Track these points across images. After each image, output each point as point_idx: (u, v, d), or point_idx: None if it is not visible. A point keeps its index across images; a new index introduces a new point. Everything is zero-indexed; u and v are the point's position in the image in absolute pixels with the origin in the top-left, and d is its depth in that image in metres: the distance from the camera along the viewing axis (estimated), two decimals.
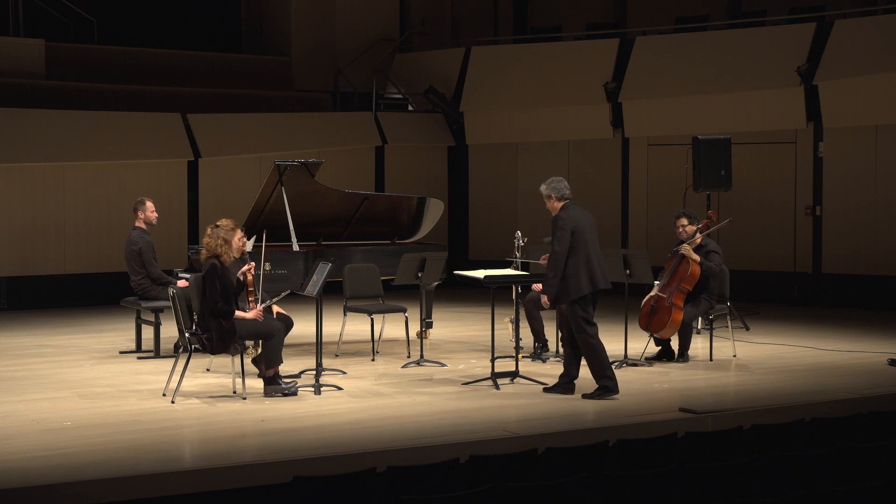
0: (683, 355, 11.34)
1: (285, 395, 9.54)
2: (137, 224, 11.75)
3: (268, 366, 9.59)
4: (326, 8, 19.91)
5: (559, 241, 9.57)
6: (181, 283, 11.05)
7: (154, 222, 11.83)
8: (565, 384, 9.79)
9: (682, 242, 11.27)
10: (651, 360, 11.27)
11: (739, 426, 7.81)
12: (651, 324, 11.17)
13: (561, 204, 9.73)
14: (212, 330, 9.39)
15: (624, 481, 6.37)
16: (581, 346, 9.69)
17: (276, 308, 10.26)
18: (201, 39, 19.50)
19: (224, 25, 20.32)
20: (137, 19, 19.40)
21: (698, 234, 11.29)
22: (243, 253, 10.26)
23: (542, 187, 9.82)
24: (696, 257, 11.13)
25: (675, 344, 11.38)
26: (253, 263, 9.98)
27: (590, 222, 9.77)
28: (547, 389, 9.86)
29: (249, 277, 9.80)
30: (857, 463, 6.95)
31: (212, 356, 10.36)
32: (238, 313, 9.56)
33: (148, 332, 11.68)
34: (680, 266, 11.14)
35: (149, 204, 11.80)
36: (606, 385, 9.59)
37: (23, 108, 15.87)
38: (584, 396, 9.61)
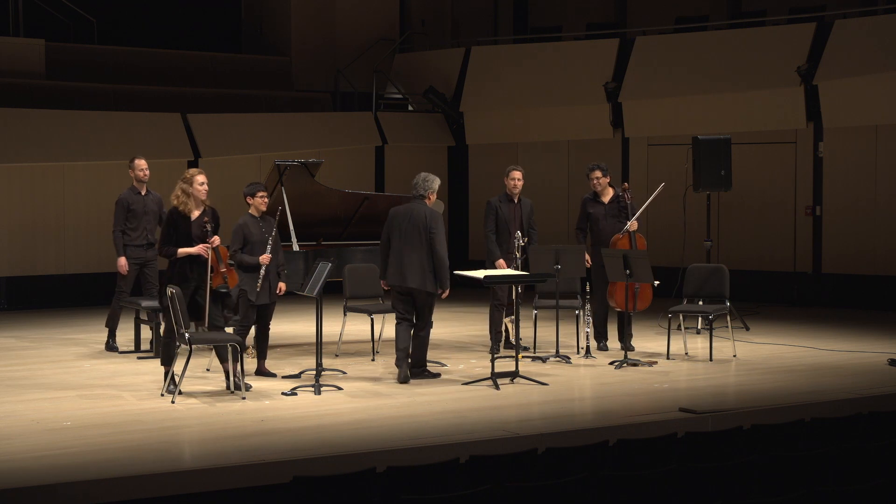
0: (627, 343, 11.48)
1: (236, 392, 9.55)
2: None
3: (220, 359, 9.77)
4: (326, 8, 19.91)
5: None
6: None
7: (143, 179, 11.95)
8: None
9: (597, 195, 12.01)
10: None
11: (739, 426, 7.80)
12: (638, 303, 11.46)
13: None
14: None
15: (624, 481, 6.37)
16: None
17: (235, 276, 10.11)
18: (201, 39, 19.49)
19: (224, 25, 20.32)
20: (137, 19, 19.39)
21: (634, 221, 11.77)
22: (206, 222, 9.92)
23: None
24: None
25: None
26: (217, 238, 9.82)
27: (408, 220, 10.34)
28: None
29: (210, 252, 9.68)
30: (857, 463, 6.94)
31: (212, 356, 10.35)
32: (182, 250, 9.66)
33: (148, 332, 11.68)
34: (638, 243, 11.60)
35: (137, 162, 11.95)
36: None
37: (23, 108, 15.85)
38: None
